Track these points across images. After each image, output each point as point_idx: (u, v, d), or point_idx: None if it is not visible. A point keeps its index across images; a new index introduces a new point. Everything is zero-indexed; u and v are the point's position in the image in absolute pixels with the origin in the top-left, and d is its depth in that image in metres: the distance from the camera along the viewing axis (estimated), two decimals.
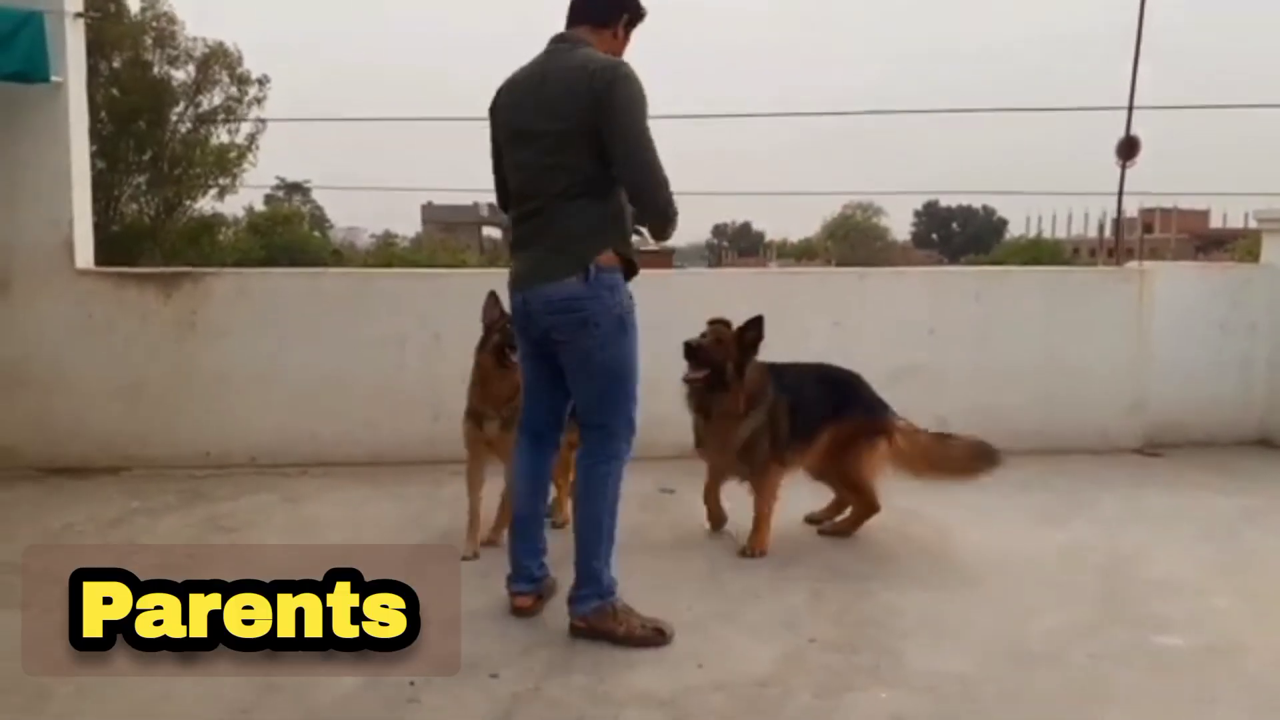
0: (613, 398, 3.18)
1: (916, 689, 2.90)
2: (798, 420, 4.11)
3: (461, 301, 5.53)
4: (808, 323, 5.58)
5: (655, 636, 3.15)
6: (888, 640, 3.22)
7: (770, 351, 5.44)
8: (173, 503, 4.75)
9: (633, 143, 3.05)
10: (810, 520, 4.42)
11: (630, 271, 3.20)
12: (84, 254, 5.46)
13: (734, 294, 5.55)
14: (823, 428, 4.20)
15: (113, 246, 21.72)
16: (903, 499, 4.58)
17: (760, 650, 3.12)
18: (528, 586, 3.39)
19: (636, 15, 3.32)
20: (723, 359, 3.95)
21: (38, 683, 2.86)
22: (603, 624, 3.15)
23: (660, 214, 3.13)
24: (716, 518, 4.34)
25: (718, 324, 4.02)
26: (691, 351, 3.94)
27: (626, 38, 3.32)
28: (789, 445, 4.11)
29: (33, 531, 4.24)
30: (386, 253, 40.04)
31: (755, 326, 3.96)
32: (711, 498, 4.32)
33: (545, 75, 3.15)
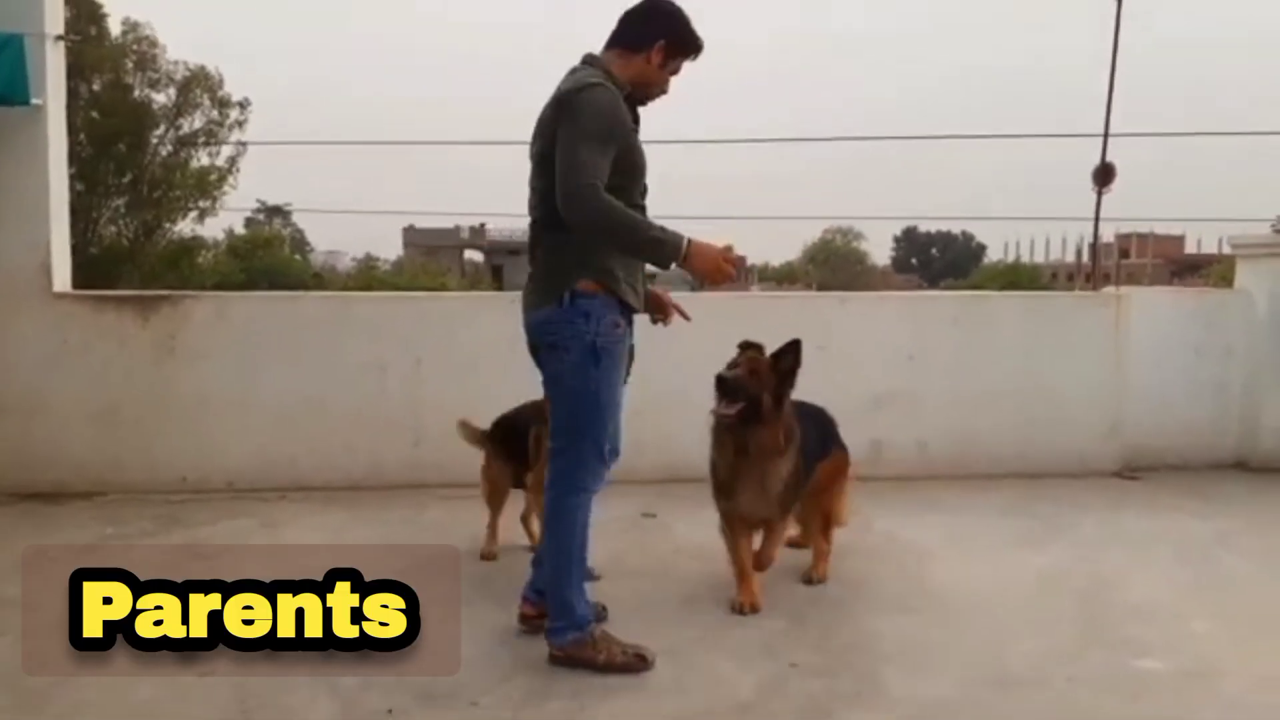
0: (579, 425, 3.10)
1: (897, 714, 2.89)
2: (807, 463, 3.79)
3: (443, 326, 5.57)
4: None
5: (636, 663, 3.12)
6: (868, 665, 3.21)
7: None
8: (149, 528, 4.69)
9: (560, 161, 2.94)
10: (791, 544, 4.37)
11: (623, 305, 3.12)
12: (61, 277, 5.42)
13: (716, 318, 5.54)
14: (815, 466, 3.90)
15: (91, 269, 21.62)
16: (882, 522, 4.60)
17: (741, 676, 3.10)
18: (534, 596, 3.38)
19: (679, 44, 3.16)
20: (759, 390, 3.51)
21: (38, 683, 2.87)
22: (581, 653, 3.12)
23: (603, 235, 2.99)
24: (754, 592, 3.67)
25: (751, 349, 3.63)
26: (724, 385, 3.48)
27: (667, 66, 3.17)
28: (802, 486, 3.79)
29: (4, 558, 4.18)
30: (367, 276, 40.02)
31: (792, 352, 3.55)
32: (746, 559, 3.71)
33: (549, 99, 3.14)
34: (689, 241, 2.96)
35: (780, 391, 3.54)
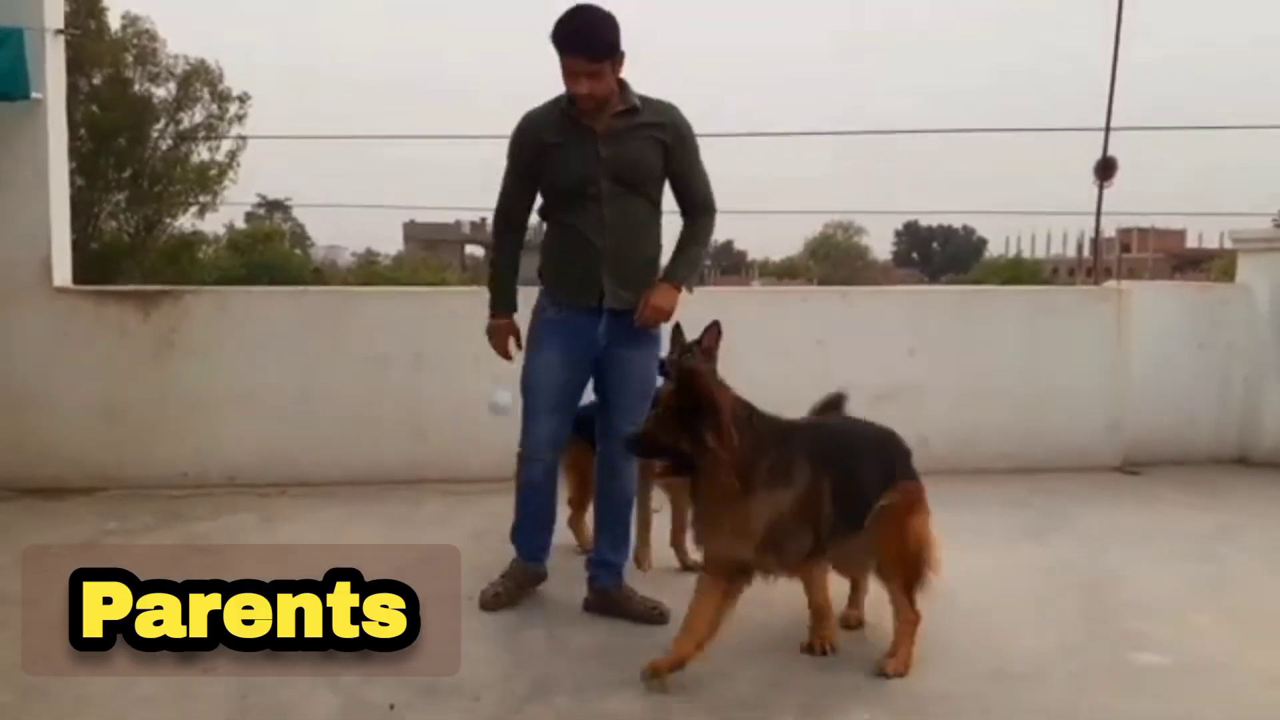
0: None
1: (899, 708, 2.90)
2: (849, 502, 3.09)
3: (444, 321, 5.55)
4: (791, 342, 5.62)
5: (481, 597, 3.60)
6: (869, 659, 3.21)
7: (753, 368, 5.45)
8: (150, 523, 4.69)
9: None
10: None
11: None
12: (62, 272, 5.42)
13: (717, 314, 5.54)
14: (874, 505, 3.16)
15: (91, 264, 21.60)
16: None
17: (743, 671, 3.10)
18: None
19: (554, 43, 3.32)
20: (673, 440, 2.94)
21: (39, 678, 2.88)
22: None
23: None
24: (684, 652, 3.01)
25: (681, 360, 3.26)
26: (633, 444, 3.21)
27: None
28: (835, 535, 3.09)
29: (4, 554, 4.18)
30: (368, 271, 39.95)
31: (687, 384, 2.93)
32: (697, 613, 3.06)
33: None
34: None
35: (694, 428, 2.87)
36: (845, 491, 3.06)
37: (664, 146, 3.43)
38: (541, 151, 3.43)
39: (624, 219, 3.42)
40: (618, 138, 3.39)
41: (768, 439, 2.98)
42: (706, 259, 3.63)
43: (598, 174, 3.38)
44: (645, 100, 3.45)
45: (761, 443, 2.95)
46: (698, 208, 3.58)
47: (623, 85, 3.41)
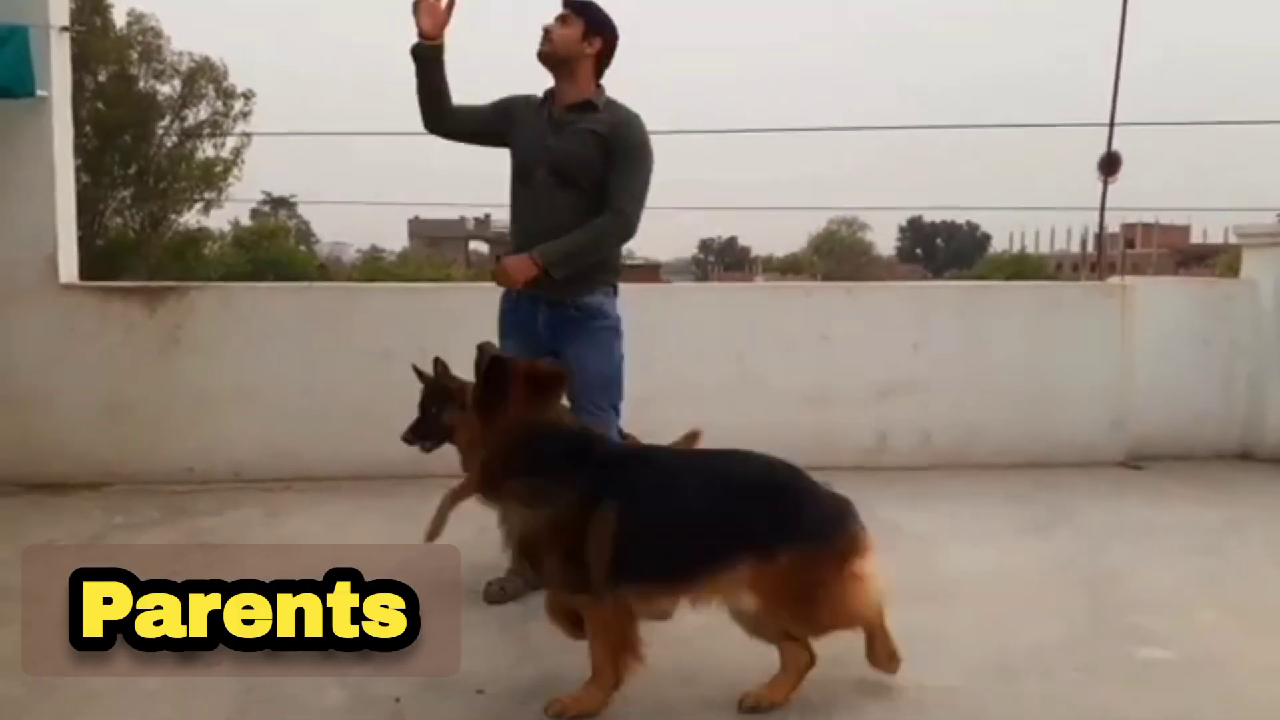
0: None
1: (902, 703, 2.90)
2: (647, 545, 2.71)
3: (447, 316, 5.55)
4: (796, 338, 5.61)
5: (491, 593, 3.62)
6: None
7: (757, 364, 5.47)
8: (156, 518, 4.71)
9: None
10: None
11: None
12: (68, 268, 5.43)
13: (723, 309, 5.56)
14: (724, 562, 2.73)
15: (97, 261, 21.66)
16: (886, 512, 4.58)
17: (748, 665, 3.10)
18: None
19: None
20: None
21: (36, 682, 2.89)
22: None
23: None
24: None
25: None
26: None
27: None
28: (624, 578, 2.71)
29: (12, 548, 4.19)
30: (372, 267, 40.00)
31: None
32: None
33: None
34: None
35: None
36: (656, 533, 2.72)
37: (604, 143, 3.49)
38: (510, 121, 3.62)
39: (553, 209, 3.51)
40: (564, 129, 3.51)
41: (539, 451, 2.76)
42: (616, 258, 3.63)
43: (540, 161, 3.51)
44: (611, 104, 3.56)
45: (527, 454, 2.75)
46: (605, 206, 3.51)
47: (599, 89, 3.57)
